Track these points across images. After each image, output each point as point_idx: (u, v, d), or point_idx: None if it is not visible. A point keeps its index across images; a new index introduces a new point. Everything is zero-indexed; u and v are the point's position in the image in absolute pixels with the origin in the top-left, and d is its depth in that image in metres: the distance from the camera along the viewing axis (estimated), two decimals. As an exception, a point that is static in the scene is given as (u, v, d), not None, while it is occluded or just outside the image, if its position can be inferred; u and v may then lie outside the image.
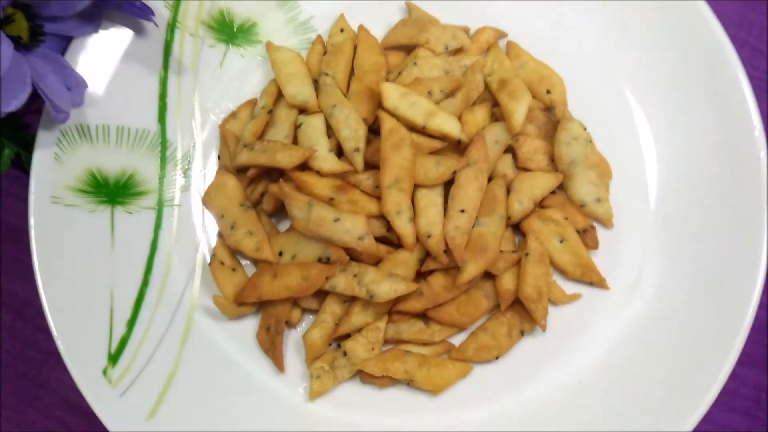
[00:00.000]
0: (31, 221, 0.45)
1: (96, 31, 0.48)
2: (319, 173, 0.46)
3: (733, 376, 0.47)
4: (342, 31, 0.51)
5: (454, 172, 0.46)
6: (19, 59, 0.42)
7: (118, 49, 0.49)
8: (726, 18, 0.55)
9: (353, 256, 0.45)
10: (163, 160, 0.49)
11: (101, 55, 0.48)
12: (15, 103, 0.42)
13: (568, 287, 0.47)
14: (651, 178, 0.48)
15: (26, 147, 0.49)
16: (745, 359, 0.48)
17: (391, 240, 0.46)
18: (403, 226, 0.44)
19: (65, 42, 0.47)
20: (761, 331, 0.50)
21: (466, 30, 0.51)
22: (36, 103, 0.46)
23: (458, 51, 0.51)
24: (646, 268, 0.47)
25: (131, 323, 0.45)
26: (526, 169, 0.49)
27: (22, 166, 0.51)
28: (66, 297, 0.44)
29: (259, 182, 0.48)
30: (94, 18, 0.48)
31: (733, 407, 0.48)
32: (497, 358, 0.46)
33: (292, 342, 0.46)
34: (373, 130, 0.48)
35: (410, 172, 0.45)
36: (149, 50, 0.49)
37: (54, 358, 0.49)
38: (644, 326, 0.45)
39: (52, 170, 0.46)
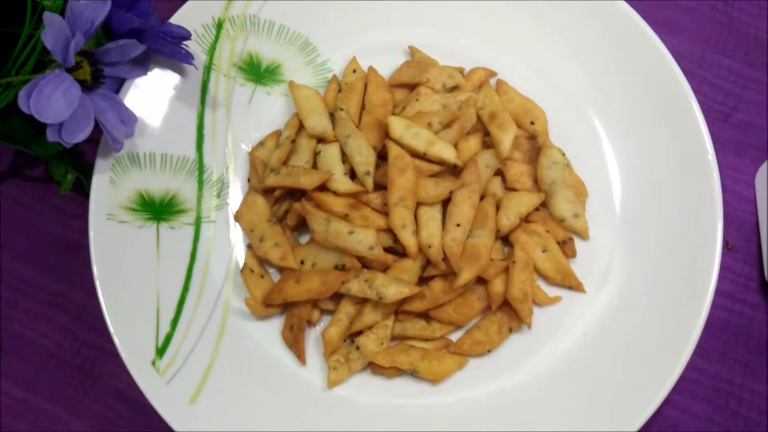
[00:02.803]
0: (91, 236, 0.50)
1: (145, 73, 0.54)
2: (335, 193, 0.51)
3: (695, 367, 0.53)
4: (354, 71, 0.56)
5: (451, 192, 0.50)
6: (85, 99, 0.48)
7: (163, 88, 0.54)
8: (688, 58, 0.62)
9: (365, 263, 0.49)
10: (201, 182, 0.54)
11: (149, 93, 0.54)
12: (81, 135, 0.48)
13: (550, 291, 0.52)
14: (617, 195, 0.53)
15: (83, 171, 0.55)
16: (703, 353, 0.54)
17: (397, 250, 0.50)
18: (408, 238, 0.49)
19: (119, 83, 0.53)
20: (718, 328, 0.54)
21: (461, 70, 0.57)
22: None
23: (454, 88, 0.55)
24: (613, 273, 0.51)
25: (175, 322, 0.50)
26: (513, 189, 0.53)
27: (80, 189, 0.57)
28: (120, 300, 0.49)
29: (284, 201, 0.53)
30: (144, 63, 0.54)
31: (695, 394, 0.53)
32: (489, 351, 0.50)
33: (313, 338, 0.51)
34: (382, 156, 0.52)
35: (413, 192, 0.49)
36: (189, 89, 0.55)
37: (105, 354, 0.54)
38: (614, 323, 0.50)
39: (107, 192, 0.51)
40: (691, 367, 0.52)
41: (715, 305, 0.49)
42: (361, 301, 0.50)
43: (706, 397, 0.53)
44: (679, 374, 0.47)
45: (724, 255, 0.50)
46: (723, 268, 0.50)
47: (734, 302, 0.56)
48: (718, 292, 0.50)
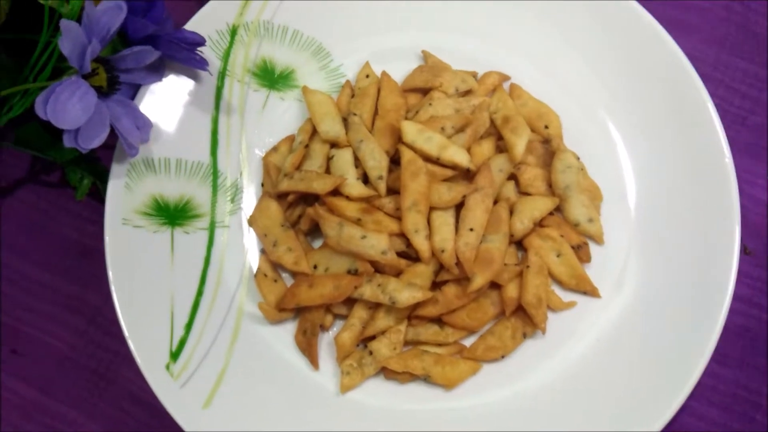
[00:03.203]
0: (107, 240, 0.50)
1: (160, 79, 0.54)
2: (348, 198, 0.51)
3: (711, 373, 0.53)
4: (367, 76, 0.56)
5: (464, 196, 0.50)
6: (101, 105, 0.48)
7: (177, 94, 0.55)
8: (702, 60, 0.61)
9: (378, 268, 0.49)
10: (215, 187, 0.54)
11: (164, 99, 0.54)
12: (97, 141, 0.48)
13: (565, 296, 0.51)
14: (632, 199, 0.53)
15: (99, 176, 0.56)
16: (721, 359, 0.53)
17: (410, 254, 0.50)
18: (421, 243, 0.49)
19: (135, 89, 0.54)
20: (735, 333, 0.54)
21: (474, 74, 0.57)
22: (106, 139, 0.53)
23: (467, 92, 0.55)
24: (629, 278, 0.51)
25: (189, 326, 0.50)
26: (526, 194, 0.53)
27: (95, 194, 0.58)
28: (135, 304, 0.49)
29: (297, 206, 0.53)
30: (159, 69, 0.54)
31: (712, 402, 0.52)
32: (503, 357, 0.50)
33: (325, 343, 0.51)
34: (394, 161, 0.52)
35: (426, 196, 0.50)
36: (203, 95, 0.55)
37: (120, 358, 0.54)
38: (629, 328, 0.49)
39: (122, 197, 0.52)
40: (707, 373, 0.51)
41: (732, 310, 0.48)
42: (374, 306, 0.50)
43: (722, 403, 0.53)
44: (696, 380, 0.47)
45: (741, 260, 0.49)
46: (740, 272, 0.49)
47: (751, 307, 0.55)
48: (735, 297, 0.49)
